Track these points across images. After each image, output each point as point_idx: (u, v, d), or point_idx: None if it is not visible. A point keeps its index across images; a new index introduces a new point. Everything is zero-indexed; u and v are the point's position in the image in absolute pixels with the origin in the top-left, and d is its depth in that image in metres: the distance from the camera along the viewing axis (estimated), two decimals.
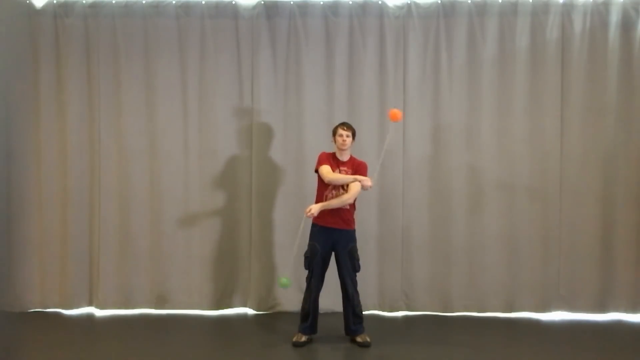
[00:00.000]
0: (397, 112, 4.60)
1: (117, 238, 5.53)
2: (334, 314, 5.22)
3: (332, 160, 4.64)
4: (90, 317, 5.44)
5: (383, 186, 5.43)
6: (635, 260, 5.41)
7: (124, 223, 5.52)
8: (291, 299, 5.44)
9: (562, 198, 5.45)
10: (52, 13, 5.48)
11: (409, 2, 5.47)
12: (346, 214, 4.60)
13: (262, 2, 5.48)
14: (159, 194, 5.51)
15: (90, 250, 5.55)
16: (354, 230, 4.67)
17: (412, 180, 5.48)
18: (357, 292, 4.68)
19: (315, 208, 4.50)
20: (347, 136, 4.61)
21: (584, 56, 5.42)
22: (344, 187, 4.58)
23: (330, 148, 4.77)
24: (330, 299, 5.11)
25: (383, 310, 5.51)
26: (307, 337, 4.69)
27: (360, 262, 4.69)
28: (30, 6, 5.49)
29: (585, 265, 5.43)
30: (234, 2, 5.50)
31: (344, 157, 4.67)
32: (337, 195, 4.56)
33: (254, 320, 5.35)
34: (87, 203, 5.53)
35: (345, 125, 4.65)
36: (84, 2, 5.50)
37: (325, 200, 4.57)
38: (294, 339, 4.67)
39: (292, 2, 5.48)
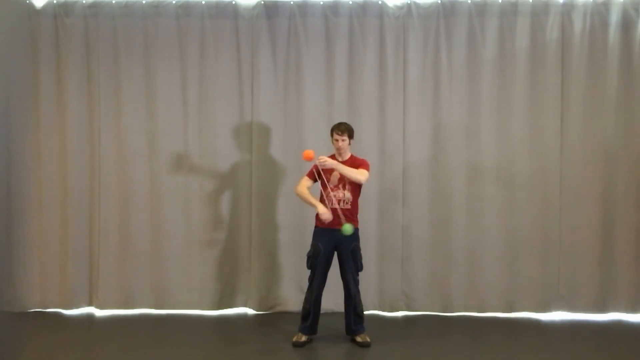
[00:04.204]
0: (309, 152, 4.51)
1: (117, 238, 5.52)
2: (334, 314, 5.22)
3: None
4: (90, 317, 5.44)
5: (383, 186, 5.44)
6: (635, 260, 5.41)
7: (124, 223, 5.52)
8: (292, 299, 5.45)
9: (562, 198, 5.44)
10: (52, 13, 5.48)
11: (409, 2, 5.47)
12: (347, 213, 4.59)
13: (262, 2, 5.47)
14: (159, 194, 5.51)
15: (90, 250, 5.55)
16: (357, 229, 4.66)
17: (412, 180, 5.48)
18: (359, 291, 4.68)
19: (329, 161, 4.48)
20: (343, 140, 4.62)
21: (584, 56, 5.42)
22: (344, 187, 4.60)
23: (330, 147, 4.77)
24: (331, 299, 5.11)
25: (383, 310, 5.51)
26: (307, 337, 4.69)
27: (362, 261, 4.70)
28: (30, 6, 5.49)
29: (585, 265, 5.43)
30: (234, 2, 5.49)
31: (344, 157, 4.68)
32: (331, 195, 4.57)
33: (255, 320, 5.35)
34: (87, 203, 5.53)
35: (339, 129, 4.64)
36: (84, 2, 5.49)
37: (324, 200, 4.59)
38: (294, 339, 4.67)
39: (292, 2, 5.48)
